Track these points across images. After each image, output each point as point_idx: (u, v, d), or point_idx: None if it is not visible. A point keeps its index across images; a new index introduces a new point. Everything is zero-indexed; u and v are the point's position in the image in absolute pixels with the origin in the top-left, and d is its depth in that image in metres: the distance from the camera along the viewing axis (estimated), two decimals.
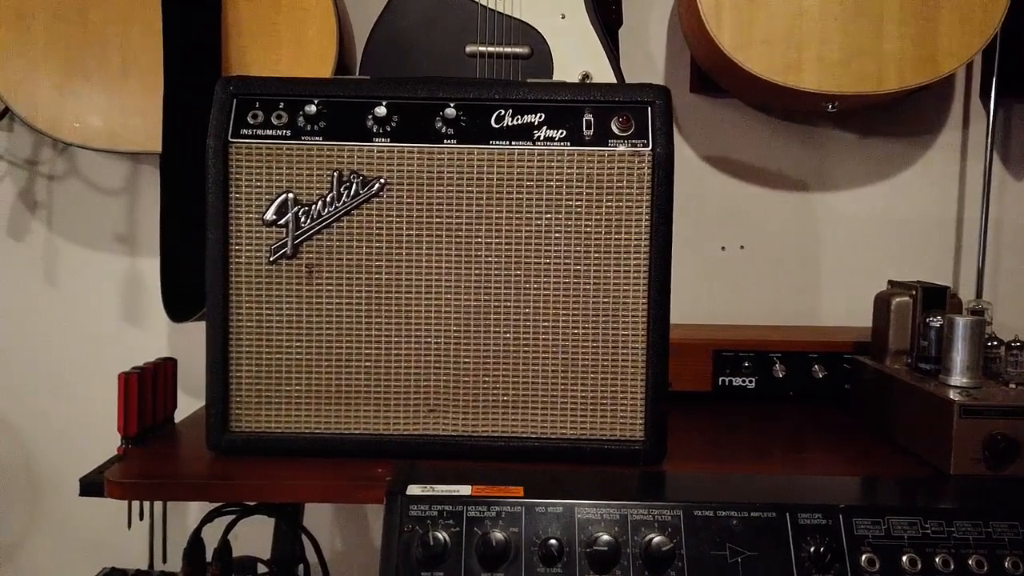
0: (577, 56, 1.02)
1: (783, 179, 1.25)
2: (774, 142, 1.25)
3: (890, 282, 0.95)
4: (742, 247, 1.26)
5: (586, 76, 1.02)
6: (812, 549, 0.59)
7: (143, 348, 1.23)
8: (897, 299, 0.90)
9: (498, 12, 1.01)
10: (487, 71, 1.01)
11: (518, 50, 1.01)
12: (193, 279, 0.95)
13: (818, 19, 1.00)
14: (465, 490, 0.63)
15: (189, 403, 0.97)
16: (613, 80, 1.02)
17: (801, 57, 1.01)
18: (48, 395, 1.27)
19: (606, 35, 1.03)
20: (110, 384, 1.13)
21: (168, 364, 0.91)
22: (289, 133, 0.76)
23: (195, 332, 1.14)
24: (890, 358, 0.91)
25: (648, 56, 1.24)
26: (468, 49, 1.01)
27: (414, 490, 0.63)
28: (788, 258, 1.26)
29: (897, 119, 1.24)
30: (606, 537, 0.60)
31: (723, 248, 1.26)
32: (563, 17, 1.02)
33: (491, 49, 1.01)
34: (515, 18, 1.02)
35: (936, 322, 0.85)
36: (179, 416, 0.94)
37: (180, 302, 0.98)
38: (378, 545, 1.27)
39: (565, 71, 1.02)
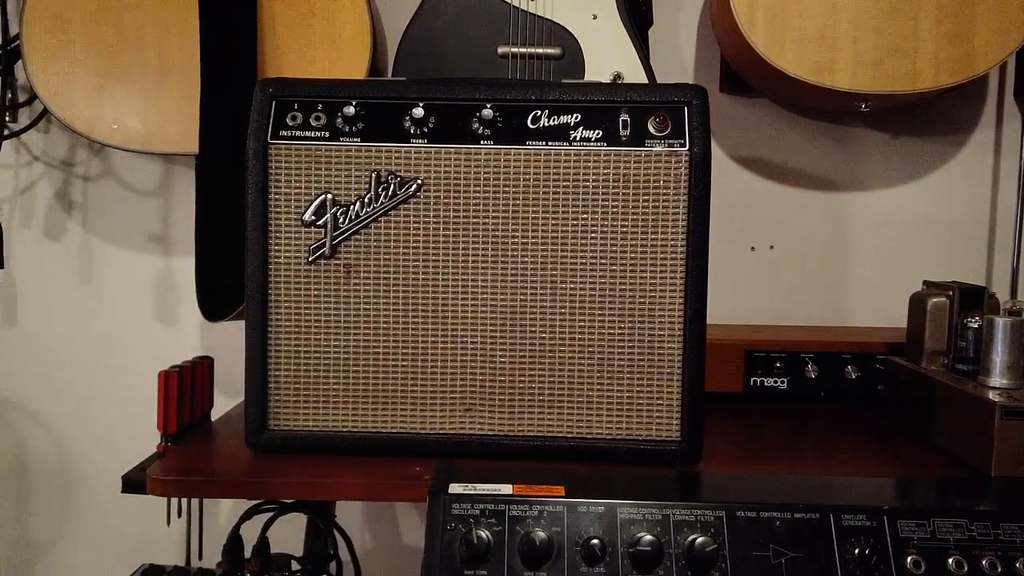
0: (609, 56, 1.02)
1: (813, 179, 1.25)
2: (805, 142, 1.24)
3: (926, 282, 0.94)
4: (772, 247, 1.25)
5: (618, 76, 1.02)
6: (856, 551, 0.59)
7: (176, 347, 1.25)
8: (934, 299, 0.89)
9: (530, 13, 1.02)
10: (519, 72, 1.02)
11: (550, 51, 1.02)
12: (228, 279, 0.96)
13: (852, 18, 1.00)
14: (507, 489, 0.64)
15: (221, 401, 0.98)
16: (644, 80, 1.02)
17: (835, 56, 1.00)
18: (83, 393, 1.29)
19: (637, 35, 1.03)
20: (144, 382, 1.14)
21: (205, 362, 0.92)
22: (328, 134, 0.77)
23: (227, 331, 1.16)
24: (926, 359, 0.90)
25: (678, 56, 1.24)
26: (500, 50, 1.02)
27: (456, 489, 0.63)
28: (818, 258, 1.25)
29: (929, 118, 1.23)
30: (649, 537, 0.60)
31: (752, 248, 1.26)
32: (595, 17, 1.02)
33: (523, 50, 1.01)
34: (547, 19, 1.02)
35: (974, 323, 0.84)
36: (214, 414, 0.95)
37: (215, 302, 0.99)
38: (407, 542, 1.29)
39: (597, 71, 1.02)
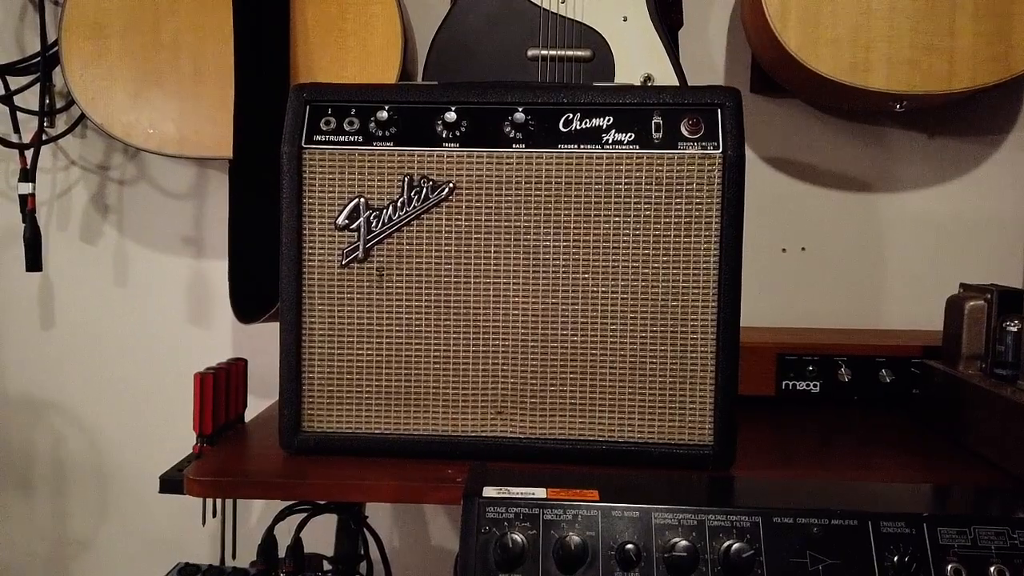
0: (639, 58, 1.02)
1: (846, 180, 1.23)
2: (837, 142, 1.23)
3: (963, 285, 0.93)
4: (803, 249, 1.24)
5: (648, 78, 1.02)
6: (896, 558, 0.58)
7: (208, 348, 1.27)
8: (971, 303, 0.88)
9: (559, 15, 1.02)
10: (548, 74, 1.01)
11: (580, 53, 1.01)
12: (261, 281, 0.97)
13: (887, 17, 0.99)
14: (541, 493, 0.64)
15: (253, 401, 0.99)
16: (675, 82, 1.02)
17: (869, 56, 0.99)
18: (118, 394, 1.31)
19: (668, 36, 1.03)
20: (178, 383, 1.16)
21: (239, 364, 0.93)
22: (361, 139, 0.78)
23: (258, 333, 1.17)
24: (963, 363, 0.89)
25: (708, 56, 1.23)
26: (530, 53, 1.02)
27: (490, 492, 0.64)
28: (850, 260, 1.24)
29: (965, 117, 1.21)
30: (684, 543, 0.60)
31: (784, 250, 1.24)
32: (625, 19, 1.02)
33: (553, 53, 1.01)
34: (576, 21, 1.02)
35: (1013, 326, 0.83)
36: (246, 415, 0.96)
37: (248, 304, 1.00)
38: (436, 543, 1.29)
39: (627, 73, 1.02)
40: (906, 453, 0.86)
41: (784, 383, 1.00)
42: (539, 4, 1.02)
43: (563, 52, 1.01)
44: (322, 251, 0.78)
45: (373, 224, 0.77)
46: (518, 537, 0.60)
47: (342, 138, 0.78)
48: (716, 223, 0.75)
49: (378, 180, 0.77)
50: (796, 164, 1.24)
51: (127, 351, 1.30)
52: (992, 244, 1.22)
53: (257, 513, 1.24)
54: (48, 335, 1.31)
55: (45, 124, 1.19)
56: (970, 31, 0.98)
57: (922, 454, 0.85)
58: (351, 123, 0.78)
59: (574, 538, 0.60)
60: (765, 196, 1.23)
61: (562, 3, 1.02)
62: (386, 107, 0.77)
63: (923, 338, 1.02)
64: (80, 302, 1.30)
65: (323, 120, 0.78)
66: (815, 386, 1.00)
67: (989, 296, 0.87)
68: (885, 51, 0.99)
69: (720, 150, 0.75)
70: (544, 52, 1.01)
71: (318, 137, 0.78)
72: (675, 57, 1.02)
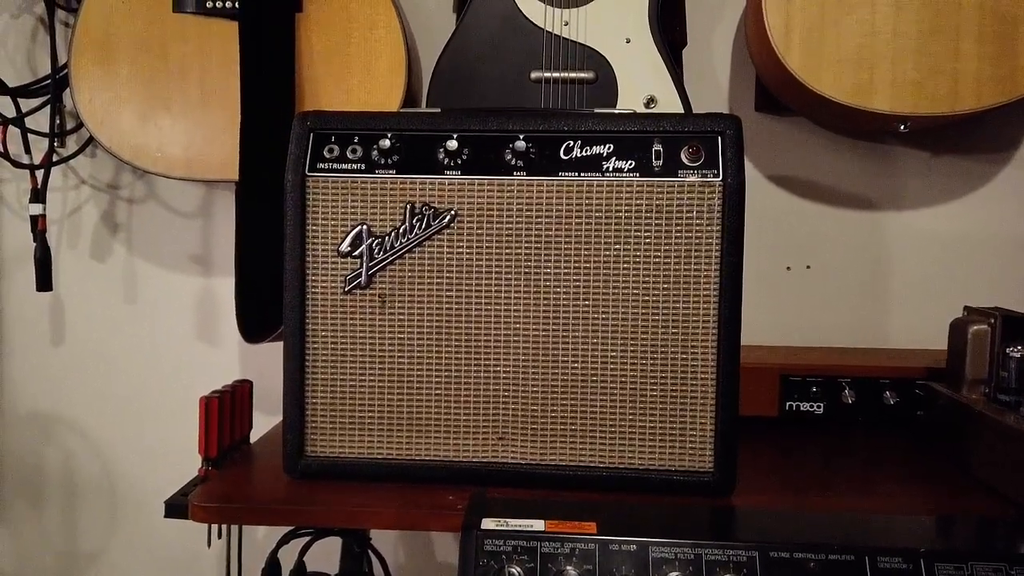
0: (642, 80, 1.02)
1: (851, 198, 1.23)
2: (842, 161, 1.23)
3: (967, 308, 0.92)
4: (808, 267, 1.24)
5: (651, 99, 1.02)
6: None
7: (216, 365, 1.28)
8: (975, 327, 0.88)
9: (563, 38, 1.02)
10: (552, 96, 1.02)
11: (583, 75, 1.02)
12: (266, 304, 0.98)
13: (891, 39, 0.98)
14: (539, 525, 0.64)
15: (259, 420, 1.00)
16: (678, 102, 1.02)
17: (873, 78, 0.99)
18: (128, 410, 1.32)
19: (671, 57, 1.03)
20: (186, 399, 1.17)
21: (244, 386, 0.93)
22: (364, 167, 0.78)
23: (265, 350, 1.18)
24: (967, 387, 0.88)
25: (712, 75, 1.23)
26: (533, 75, 1.02)
27: (489, 524, 0.64)
28: (855, 279, 1.23)
29: (970, 136, 1.20)
30: None
31: (788, 268, 1.24)
32: (628, 41, 1.02)
33: (556, 75, 1.02)
34: (580, 43, 1.02)
35: (1017, 352, 0.83)
36: (254, 431, 0.96)
37: (254, 326, 1.01)
38: (440, 559, 1.30)
39: (630, 95, 1.02)
40: (908, 478, 0.86)
41: (787, 404, 1.00)
42: (542, 26, 1.02)
43: (566, 74, 1.02)
44: (325, 278, 0.79)
45: (375, 251, 0.78)
46: (516, 570, 0.61)
47: (345, 166, 0.78)
48: (716, 251, 0.76)
49: (380, 207, 0.78)
50: (801, 182, 1.24)
51: (136, 367, 1.31)
52: (997, 263, 1.21)
53: (263, 532, 1.25)
54: (58, 351, 1.32)
55: (56, 145, 1.21)
56: (974, 53, 0.97)
57: (924, 479, 0.85)
58: (354, 151, 0.79)
59: (571, 572, 0.60)
60: (769, 214, 1.23)
61: (565, 25, 1.03)
62: (388, 135, 0.78)
63: (928, 358, 1.02)
64: (89, 319, 1.31)
65: (326, 148, 0.79)
66: (819, 407, 1.00)
67: (993, 321, 0.87)
68: (889, 73, 0.99)
69: (720, 178, 0.76)
70: (548, 74, 1.02)
71: (321, 165, 0.79)
72: (678, 78, 1.03)
